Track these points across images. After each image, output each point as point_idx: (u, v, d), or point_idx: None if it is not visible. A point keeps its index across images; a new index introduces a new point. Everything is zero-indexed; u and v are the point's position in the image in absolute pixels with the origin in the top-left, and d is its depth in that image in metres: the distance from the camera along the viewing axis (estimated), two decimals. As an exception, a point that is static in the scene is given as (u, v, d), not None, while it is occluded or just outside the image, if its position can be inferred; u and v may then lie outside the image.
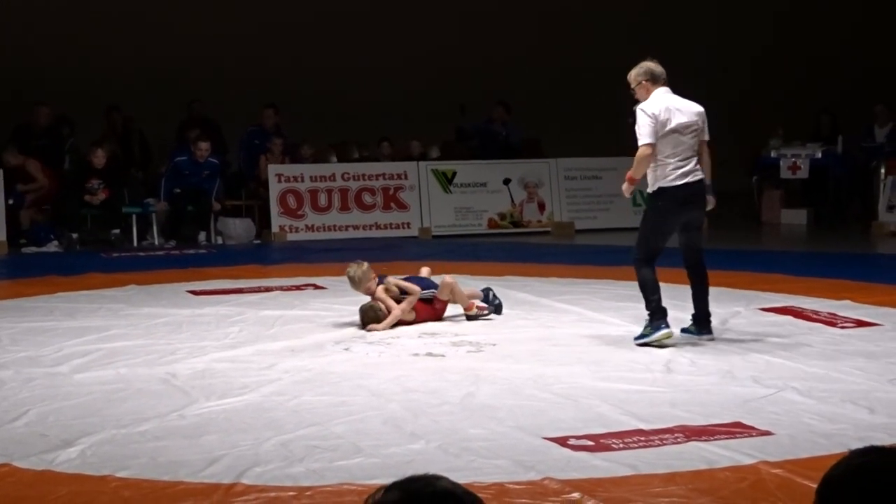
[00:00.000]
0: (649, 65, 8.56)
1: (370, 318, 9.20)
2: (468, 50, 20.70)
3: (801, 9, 22.74)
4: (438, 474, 2.25)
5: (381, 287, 9.40)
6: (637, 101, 8.53)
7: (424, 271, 9.88)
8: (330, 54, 20.30)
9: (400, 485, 2.21)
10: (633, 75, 8.60)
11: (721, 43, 22.23)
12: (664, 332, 8.33)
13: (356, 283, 9.46)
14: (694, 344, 8.41)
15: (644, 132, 8.40)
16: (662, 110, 8.38)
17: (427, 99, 19.71)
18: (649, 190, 8.54)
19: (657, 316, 8.38)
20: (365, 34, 20.56)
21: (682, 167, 8.41)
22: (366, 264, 9.55)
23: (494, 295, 9.74)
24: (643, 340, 8.33)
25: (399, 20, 20.82)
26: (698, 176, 8.45)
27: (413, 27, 20.80)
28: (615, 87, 21.51)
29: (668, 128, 8.39)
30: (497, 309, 9.68)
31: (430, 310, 9.51)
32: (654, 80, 8.51)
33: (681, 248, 8.65)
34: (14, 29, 18.87)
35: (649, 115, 8.37)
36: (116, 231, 15.62)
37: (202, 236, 15.97)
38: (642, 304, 9.07)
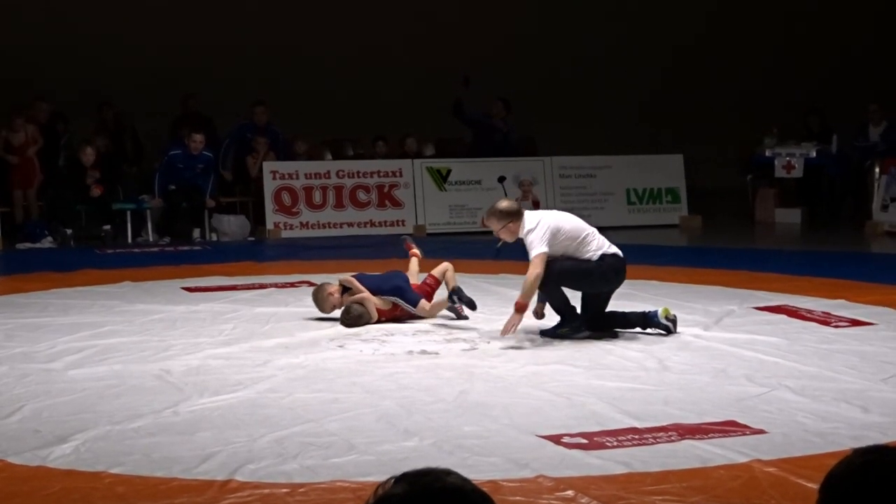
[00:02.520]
0: (505, 204, 8.48)
1: (346, 319, 9.23)
2: (463, 47, 20.69)
3: (801, 10, 22.75)
4: (450, 469, 2.22)
5: (345, 295, 9.43)
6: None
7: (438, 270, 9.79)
8: (325, 51, 20.30)
9: (409, 477, 2.19)
10: (495, 222, 8.45)
11: (714, 41, 22.23)
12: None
13: (319, 305, 9.49)
14: (688, 343, 8.42)
15: (536, 243, 8.28)
16: (544, 219, 8.39)
17: (421, 96, 19.70)
18: (592, 258, 8.50)
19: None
20: (362, 31, 20.56)
21: (603, 243, 8.57)
22: (323, 285, 9.56)
23: (459, 297, 9.41)
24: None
25: (394, 18, 20.82)
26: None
27: (409, 26, 20.80)
28: (610, 85, 21.59)
29: (567, 222, 8.49)
30: (468, 304, 9.48)
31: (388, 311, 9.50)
32: (517, 217, 8.39)
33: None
34: (7, 25, 18.85)
35: (536, 227, 8.31)
36: (107, 227, 15.58)
37: (196, 233, 15.96)
38: (638, 302, 9.08)
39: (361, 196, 16.76)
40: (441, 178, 17.05)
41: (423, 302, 9.50)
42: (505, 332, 8.30)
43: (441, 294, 9.68)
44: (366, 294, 9.38)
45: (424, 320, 9.44)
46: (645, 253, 14.15)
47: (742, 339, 8.50)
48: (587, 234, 8.55)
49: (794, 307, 9.81)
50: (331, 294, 9.44)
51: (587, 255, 8.49)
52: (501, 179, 17.15)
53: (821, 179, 18.08)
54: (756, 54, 22.55)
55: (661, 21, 22.05)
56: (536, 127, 19.20)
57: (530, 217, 8.44)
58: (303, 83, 19.72)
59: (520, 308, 8.27)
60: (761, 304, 9.97)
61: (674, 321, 8.72)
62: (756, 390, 6.95)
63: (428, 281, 9.73)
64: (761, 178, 18.31)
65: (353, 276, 9.61)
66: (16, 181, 15.75)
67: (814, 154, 17.79)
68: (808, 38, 22.53)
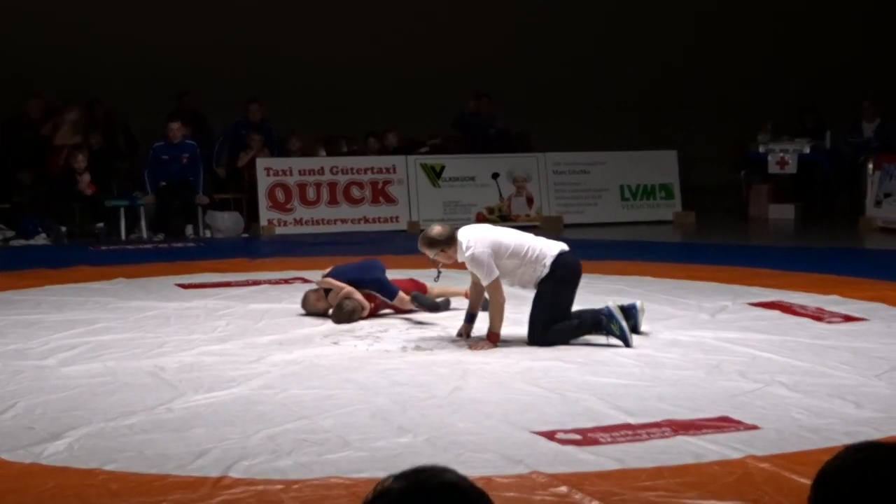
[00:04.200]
0: (435, 232, 8.15)
1: (339, 316, 9.24)
2: (457, 43, 20.70)
3: (795, 8, 22.76)
4: (446, 466, 2.27)
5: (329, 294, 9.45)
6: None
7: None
8: (320, 47, 20.28)
9: (407, 475, 2.24)
10: (427, 249, 8.17)
11: (699, 40, 22.24)
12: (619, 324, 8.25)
13: (311, 312, 9.54)
14: (681, 339, 8.42)
15: (484, 271, 8.07)
16: (480, 238, 8.12)
17: (416, 93, 19.72)
18: (543, 275, 8.23)
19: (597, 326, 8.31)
20: (355, 27, 20.54)
21: (546, 250, 8.27)
22: (306, 295, 9.58)
23: (420, 302, 9.48)
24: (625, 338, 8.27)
25: (389, 15, 20.80)
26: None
27: (402, 22, 20.79)
28: (604, 82, 21.56)
29: (504, 238, 8.23)
30: (430, 307, 9.50)
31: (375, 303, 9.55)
32: (450, 242, 8.11)
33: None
34: (3, 22, 18.81)
35: (475, 248, 8.05)
36: (100, 224, 15.56)
37: (189, 230, 15.93)
38: (631, 298, 9.08)
39: (355, 192, 16.76)
40: (435, 174, 17.05)
41: (401, 294, 9.52)
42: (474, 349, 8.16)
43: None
44: (348, 289, 9.39)
45: (419, 316, 9.45)
46: (639, 249, 14.19)
47: (736, 334, 8.50)
48: (528, 247, 8.24)
49: (787, 303, 9.82)
50: (317, 302, 9.46)
51: (539, 272, 8.24)
52: (495, 176, 17.17)
53: (814, 175, 18.11)
54: (750, 51, 22.55)
55: (657, 18, 22.04)
56: (530, 123, 19.21)
57: (465, 237, 8.14)
58: (297, 80, 19.69)
59: (494, 339, 8.16)
60: (755, 300, 9.98)
61: (633, 324, 8.45)
62: (750, 386, 6.96)
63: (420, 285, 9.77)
64: (755, 174, 18.35)
65: (330, 274, 9.63)
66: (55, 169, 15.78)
67: (807, 150, 17.82)
68: (801, 35, 22.53)
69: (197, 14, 19.80)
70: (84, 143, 16.07)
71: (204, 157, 16.74)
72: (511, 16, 21.54)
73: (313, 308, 9.48)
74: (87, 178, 15.32)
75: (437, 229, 8.23)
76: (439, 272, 8.67)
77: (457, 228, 8.33)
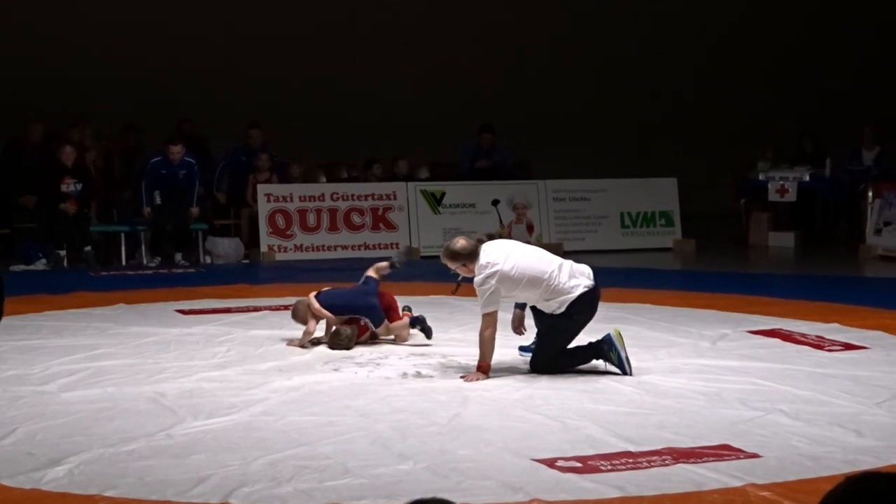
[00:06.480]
0: (459, 246, 8.05)
1: (338, 343, 9.25)
2: (458, 71, 20.76)
3: (795, 34, 22.84)
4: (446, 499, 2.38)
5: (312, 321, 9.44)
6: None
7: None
8: (321, 74, 20.34)
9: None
10: (450, 263, 8.13)
11: (699, 68, 22.31)
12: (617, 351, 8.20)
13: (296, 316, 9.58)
14: (682, 367, 8.42)
15: (484, 302, 7.99)
16: (495, 266, 7.98)
17: (416, 120, 19.76)
18: (557, 312, 8.16)
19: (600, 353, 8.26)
20: (358, 54, 20.61)
21: (569, 286, 8.15)
22: (304, 300, 9.59)
23: (422, 327, 9.51)
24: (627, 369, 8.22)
25: (391, 42, 20.88)
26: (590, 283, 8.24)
27: (405, 50, 20.86)
28: (605, 109, 21.62)
29: (522, 266, 8.05)
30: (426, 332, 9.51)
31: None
32: (472, 257, 8.04)
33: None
34: (3, 46, 18.87)
35: (486, 275, 7.97)
36: (88, 248, 15.46)
37: (178, 257, 15.81)
38: (631, 326, 9.08)
39: (356, 219, 16.77)
40: (435, 201, 17.07)
41: (385, 323, 9.55)
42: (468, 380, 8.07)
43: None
44: (329, 316, 9.41)
45: (419, 343, 9.44)
46: (638, 276, 14.20)
47: (736, 362, 8.50)
48: (549, 276, 8.08)
49: (787, 331, 9.82)
50: (313, 318, 9.44)
51: (553, 308, 8.15)
52: (495, 203, 17.18)
53: (814, 203, 18.13)
54: (750, 80, 22.62)
55: (656, 48, 22.11)
56: (531, 150, 19.24)
57: (485, 258, 8.04)
58: (298, 106, 19.75)
59: (484, 369, 8.09)
60: (755, 328, 9.97)
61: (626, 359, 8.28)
62: (750, 414, 6.96)
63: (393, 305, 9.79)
64: (755, 201, 18.37)
65: (322, 297, 9.59)
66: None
67: (807, 178, 17.86)
68: (801, 62, 22.60)
69: (198, 39, 19.85)
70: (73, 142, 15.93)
71: (204, 182, 16.72)
72: (512, 45, 21.61)
73: (308, 321, 9.46)
74: (71, 183, 15.24)
75: (460, 243, 8.14)
76: (458, 284, 8.67)
77: (480, 243, 8.21)
